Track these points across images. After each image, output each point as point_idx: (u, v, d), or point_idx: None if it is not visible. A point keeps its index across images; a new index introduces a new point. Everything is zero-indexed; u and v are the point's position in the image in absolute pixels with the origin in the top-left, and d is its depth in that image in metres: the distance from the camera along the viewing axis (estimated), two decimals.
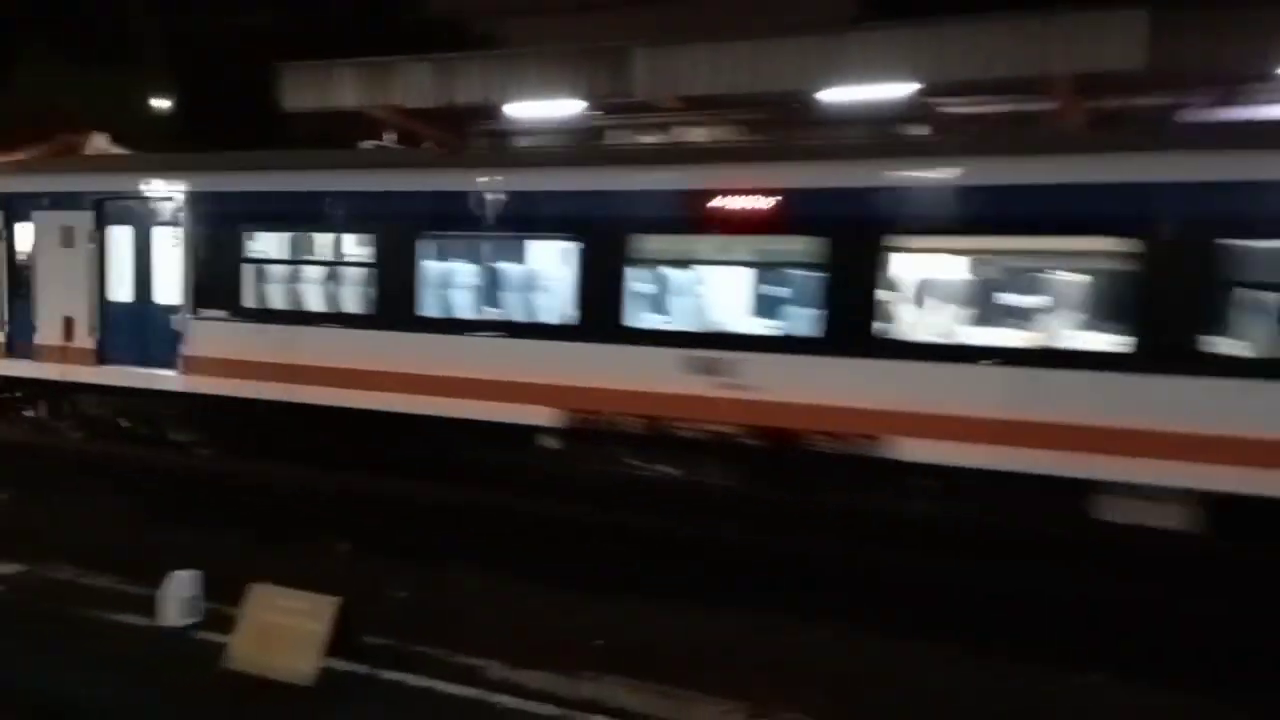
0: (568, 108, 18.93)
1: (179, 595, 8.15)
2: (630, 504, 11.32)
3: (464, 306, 11.96)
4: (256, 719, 7.08)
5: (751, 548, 10.21)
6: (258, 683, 7.36)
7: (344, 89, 20.31)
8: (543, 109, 18.99)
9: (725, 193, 10.04)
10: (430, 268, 11.80)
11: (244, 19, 31.00)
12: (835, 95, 16.73)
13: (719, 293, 10.96)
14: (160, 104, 29.92)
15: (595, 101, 18.70)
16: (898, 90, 16.38)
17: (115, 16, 30.23)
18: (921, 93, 16.51)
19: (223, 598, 8.25)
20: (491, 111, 19.38)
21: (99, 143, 19.73)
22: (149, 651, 7.98)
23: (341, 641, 7.54)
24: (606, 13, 25.22)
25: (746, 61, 17.00)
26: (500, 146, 13.13)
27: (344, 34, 26.20)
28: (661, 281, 11.11)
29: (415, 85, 19.67)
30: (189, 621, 8.15)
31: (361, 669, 7.62)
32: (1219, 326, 8.72)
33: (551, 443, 11.45)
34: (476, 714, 7.18)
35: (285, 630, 7.53)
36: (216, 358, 12.62)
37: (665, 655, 8.05)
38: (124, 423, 14.10)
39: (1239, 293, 8.71)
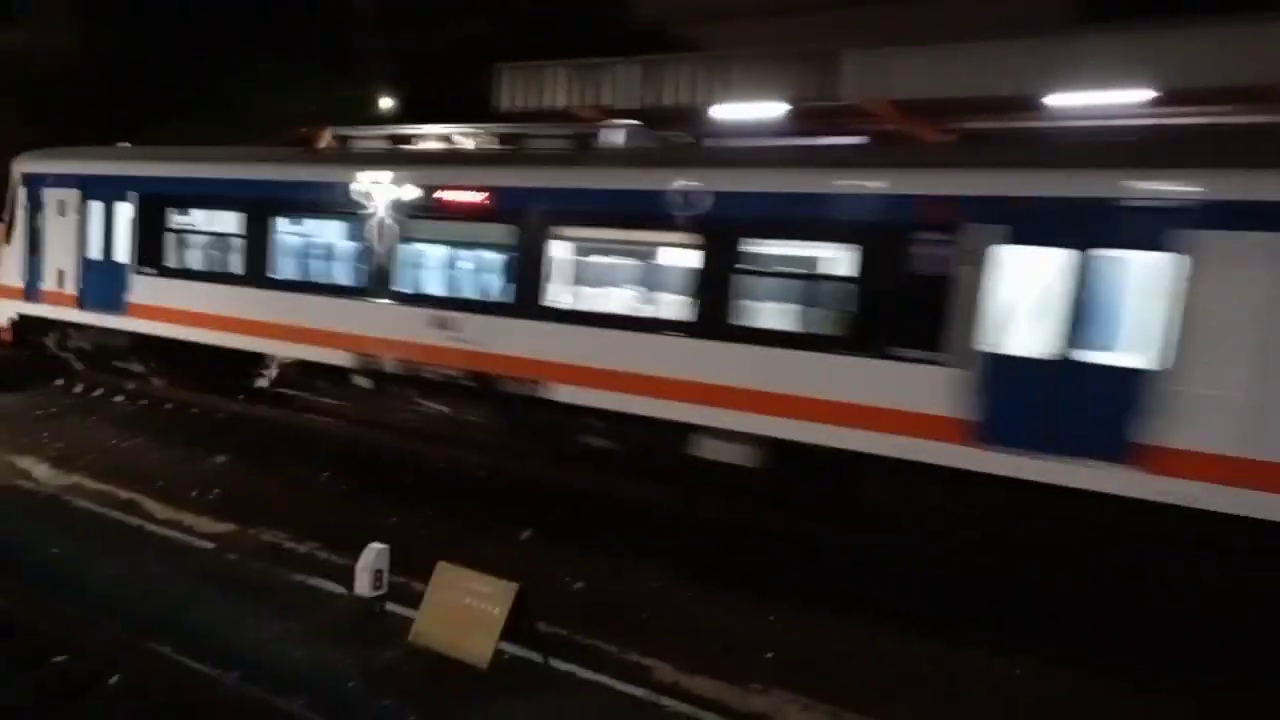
0: (772, 110, 18.73)
1: (372, 567, 8.50)
2: (825, 514, 11.06)
3: (296, 271, 14.84)
4: (432, 696, 7.29)
5: (955, 572, 9.63)
6: (436, 660, 7.58)
7: (556, 89, 20.91)
8: (748, 111, 18.89)
9: (452, 188, 12.95)
10: (275, 239, 14.84)
11: (463, 27, 32.46)
12: (1062, 100, 15.77)
13: (451, 265, 13.56)
14: (386, 104, 31.86)
15: (801, 105, 18.40)
16: (1130, 96, 15.24)
17: (347, 26, 32.40)
18: (1156, 100, 15.29)
19: (413, 573, 8.57)
20: (697, 113, 19.44)
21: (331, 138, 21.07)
22: (339, 619, 8.39)
23: (519, 627, 7.65)
24: (814, 15, 24.74)
25: (967, 64, 16.28)
26: (333, 147, 15.25)
27: (555, 40, 26.90)
28: (418, 255, 13.66)
29: (624, 86, 19.99)
30: (379, 592, 8.48)
31: (535, 656, 7.72)
32: (741, 305, 10.74)
33: (364, 382, 14.10)
34: (642, 715, 7.13)
35: (466, 611, 7.72)
36: (147, 304, 16.14)
37: (840, 674, 7.75)
38: (94, 352, 17.78)
39: (748, 279, 10.72)
